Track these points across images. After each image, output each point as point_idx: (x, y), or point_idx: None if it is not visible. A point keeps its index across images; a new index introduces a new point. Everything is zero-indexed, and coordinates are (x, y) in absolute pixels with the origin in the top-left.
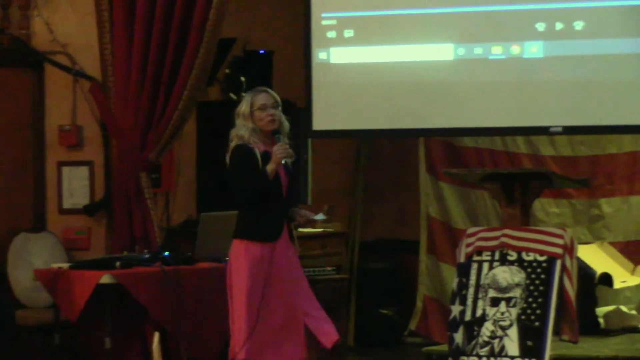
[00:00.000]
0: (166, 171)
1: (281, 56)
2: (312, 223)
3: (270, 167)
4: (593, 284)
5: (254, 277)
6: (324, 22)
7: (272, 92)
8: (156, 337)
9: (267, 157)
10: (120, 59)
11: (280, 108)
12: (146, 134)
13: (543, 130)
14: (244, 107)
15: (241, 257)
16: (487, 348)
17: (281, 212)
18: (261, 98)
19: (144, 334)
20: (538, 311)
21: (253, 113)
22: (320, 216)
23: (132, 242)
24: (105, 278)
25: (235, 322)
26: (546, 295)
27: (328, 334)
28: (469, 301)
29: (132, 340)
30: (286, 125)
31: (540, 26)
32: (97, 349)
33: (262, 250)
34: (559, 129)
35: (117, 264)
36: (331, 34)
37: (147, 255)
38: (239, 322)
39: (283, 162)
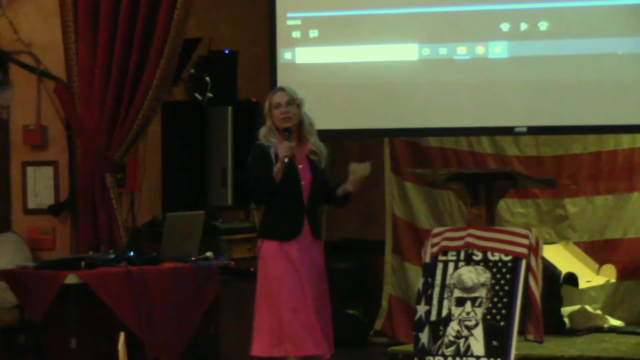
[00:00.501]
0: (131, 171)
1: (246, 56)
2: (363, 178)
3: (276, 167)
4: (558, 284)
5: (271, 275)
6: (289, 22)
7: (289, 89)
8: (121, 337)
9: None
10: (85, 58)
11: (298, 105)
12: (111, 134)
13: (508, 131)
14: (265, 106)
15: (261, 255)
16: (452, 348)
17: (301, 210)
18: (277, 97)
19: (109, 335)
20: (503, 311)
21: (271, 112)
22: (365, 166)
23: (97, 242)
24: (71, 278)
25: (255, 320)
26: (511, 295)
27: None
28: (435, 301)
29: (97, 340)
30: (307, 122)
31: (505, 26)
32: (62, 349)
33: (281, 248)
34: (524, 129)
35: (82, 264)
36: (296, 34)
37: (112, 256)
38: (258, 319)
39: (286, 160)
